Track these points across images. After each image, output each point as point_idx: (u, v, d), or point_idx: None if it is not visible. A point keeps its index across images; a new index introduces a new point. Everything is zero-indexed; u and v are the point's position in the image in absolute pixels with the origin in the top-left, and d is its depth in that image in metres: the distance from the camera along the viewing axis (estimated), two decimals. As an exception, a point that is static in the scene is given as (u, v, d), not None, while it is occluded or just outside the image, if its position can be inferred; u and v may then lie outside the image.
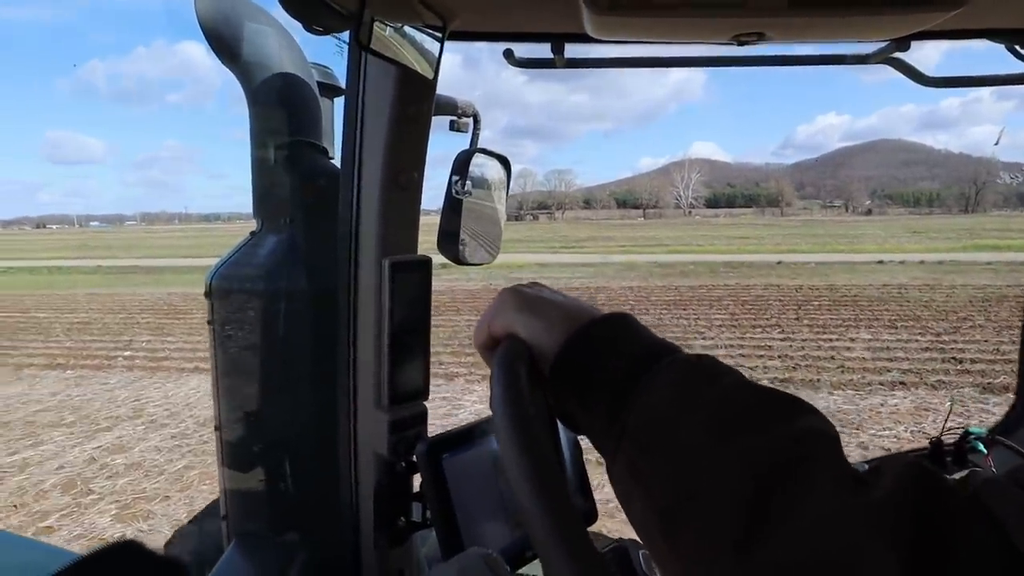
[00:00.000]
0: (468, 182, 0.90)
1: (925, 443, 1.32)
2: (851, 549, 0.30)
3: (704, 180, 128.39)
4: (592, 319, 0.46)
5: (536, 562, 0.75)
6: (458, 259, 0.90)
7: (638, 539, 0.45)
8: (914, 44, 0.89)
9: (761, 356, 8.03)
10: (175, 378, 7.80)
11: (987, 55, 1.07)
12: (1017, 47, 0.95)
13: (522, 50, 0.92)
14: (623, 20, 0.69)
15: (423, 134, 0.84)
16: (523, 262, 22.30)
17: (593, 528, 0.91)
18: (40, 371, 8.26)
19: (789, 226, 53.96)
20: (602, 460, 0.43)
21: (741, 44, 0.76)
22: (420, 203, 0.87)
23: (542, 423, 0.47)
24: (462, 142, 0.97)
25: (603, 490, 0.68)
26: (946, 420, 1.29)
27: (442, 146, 0.95)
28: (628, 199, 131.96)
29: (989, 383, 6.60)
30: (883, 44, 0.91)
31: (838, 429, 0.37)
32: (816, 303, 11.95)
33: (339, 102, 1.00)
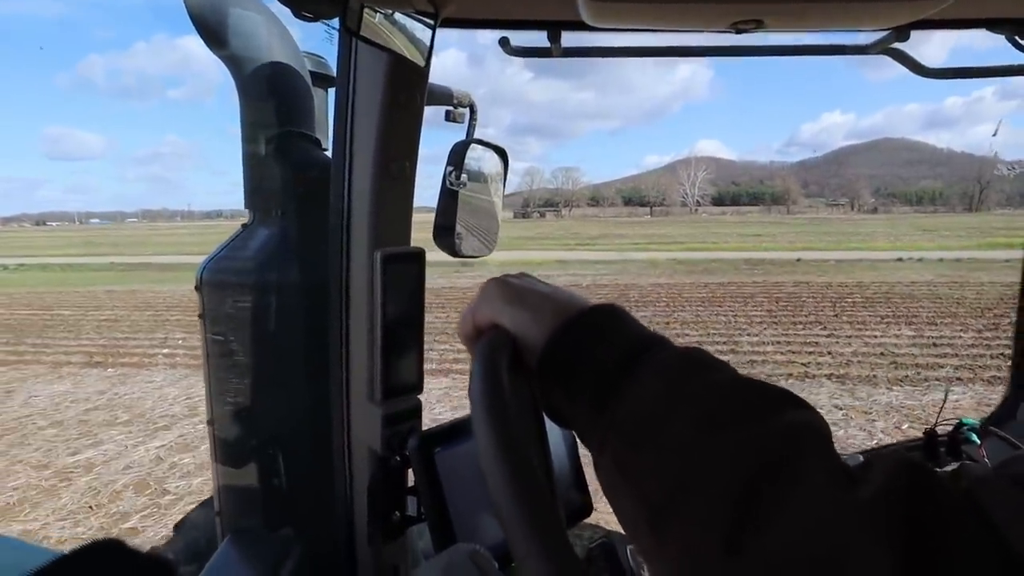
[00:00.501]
0: (464, 174, 0.88)
1: (920, 434, 1.33)
2: (841, 547, 0.30)
3: (710, 178, 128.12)
4: (580, 310, 0.45)
5: None
6: (454, 251, 0.88)
7: (624, 533, 0.45)
8: (917, 40, 0.89)
9: (811, 353, 7.96)
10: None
11: (991, 51, 1.04)
12: (1017, 38, 0.94)
13: (518, 38, 0.91)
14: (620, 7, 0.69)
15: (415, 123, 0.82)
16: (542, 259, 22.23)
17: (591, 520, 0.89)
18: (79, 369, 8.18)
19: (798, 224, 53.88)
20: None
21: (739, 32, 0.75)
22: (413, 194, 0.85)
23: (525, 416, 0.47)
24: (461, 136, 0.96)
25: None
26: (940, 410, 1.29)
27: (445, 142, 0.91)
28: (633, 197, 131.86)
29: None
30: (883, 34, 0.90)
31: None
32: (849, 300, 11.89)
33: (333, 92, 0.98)
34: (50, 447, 5.50)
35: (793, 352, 8.03)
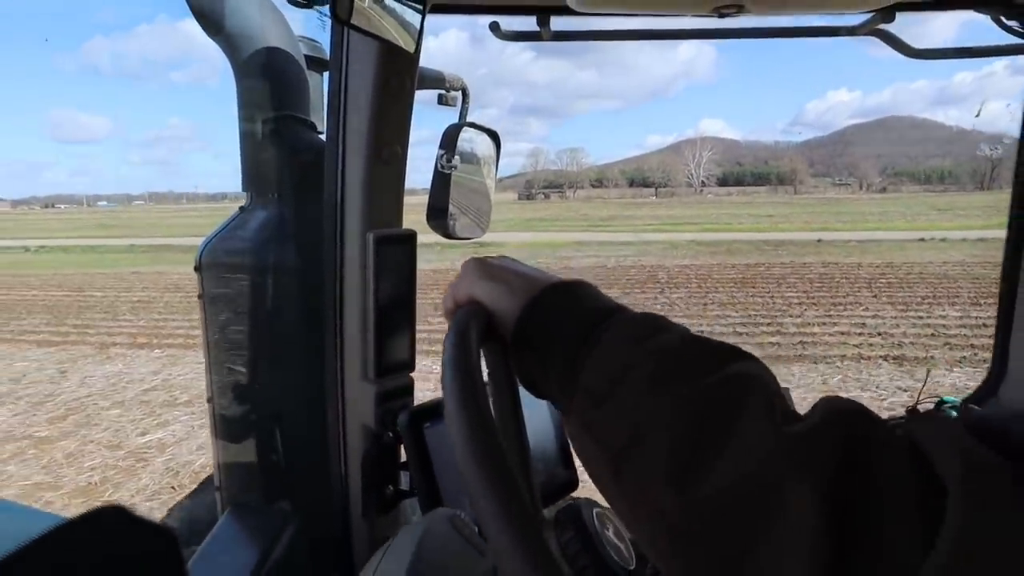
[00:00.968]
0: (456, 156, 0.89)
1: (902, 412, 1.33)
2: (773, 479, 0.32)
3: (715, 159, 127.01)
4: (550, 284, 0.48)
5: None
6: (447, 233, 0.89)
7: (591, 499, 0.48)
8: (922, 20, 0.96)
9: (860, 334, 7.91)
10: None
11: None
12: (1002, 17, 0.94)
13: (508, 23, 0.92)
14: None
15: (406, 108, 0.83)
16: (561, 241, 22.13)
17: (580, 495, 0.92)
18: (126, 350, 8.19)
19: (807, 204, 53.45)
20: None
21: (722, 16, 0.76)
22: (404, 177, 0.86)
23: (501, 389, 0.49)
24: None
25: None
26: (921, 389, 1.31)
27: (439, 124, 0.90)
28: (637, 178, 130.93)
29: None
30: (868, 16, 0.90)
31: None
32: (884, 281, 11.79)
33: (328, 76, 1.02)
34: (118, 427, 5.51)
35: (842, 334, 7.97)
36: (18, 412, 5.89)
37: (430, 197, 0.89)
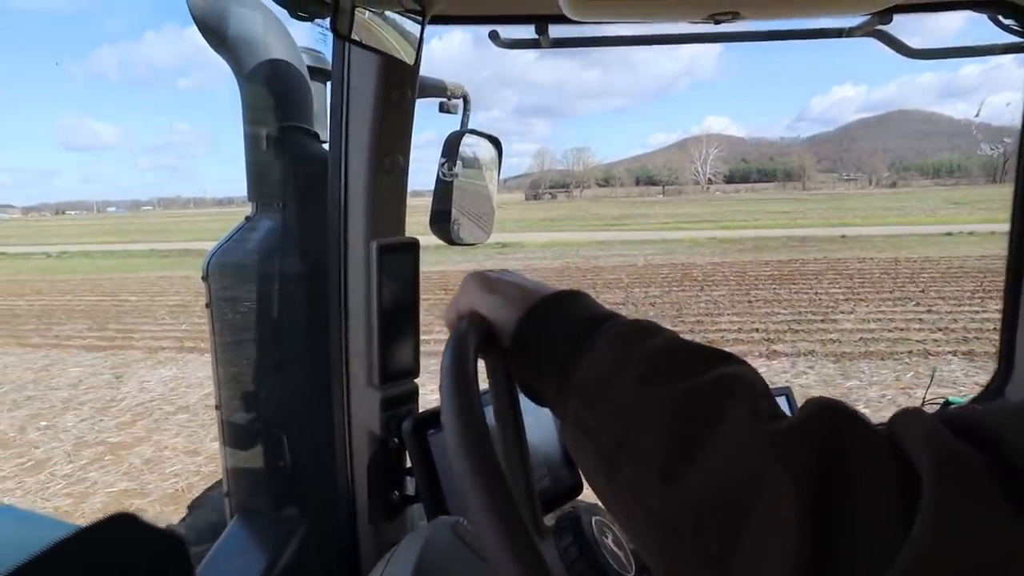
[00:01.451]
0: (459, 163, 0.90)
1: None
2: (757, 474, 0.33)
3: (722, 156, 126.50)
4: (547, 295, 0.50)
5: None
6: (450, 239, 0.91)
7: (592, 505, 0.49)
8: (927, 17, 0.91)
9: (920, 329, 7.77)
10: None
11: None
12: (1000, 17, 0.94)
13: (507, 30, 0.93)
14: (600, 2, 0.71)
15: (407, 118, 0.85)
16: (581, 240, 22.01)
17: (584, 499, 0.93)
18: (176, 354, 8.13)
19: (820, 200, 53.15)
20: None
21: (717, 23, 0.77)
22: (406, 186, 0.88)
23: (502, 397, 0.51)
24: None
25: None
26: (927, 389, 1.29)
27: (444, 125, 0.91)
28: (642, 176, 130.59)
29: None
30: (866, 18, 0.91)
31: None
32: (926, 275, 11.62)
33: (330, 86, 1.02)
34: (190, 432, 5.45)
35: (900, 329, 7.83)
36: (84, 417, 5.84)
37: (433, 203, 0.89)
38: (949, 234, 19.40)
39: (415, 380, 0.92)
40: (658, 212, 40.94)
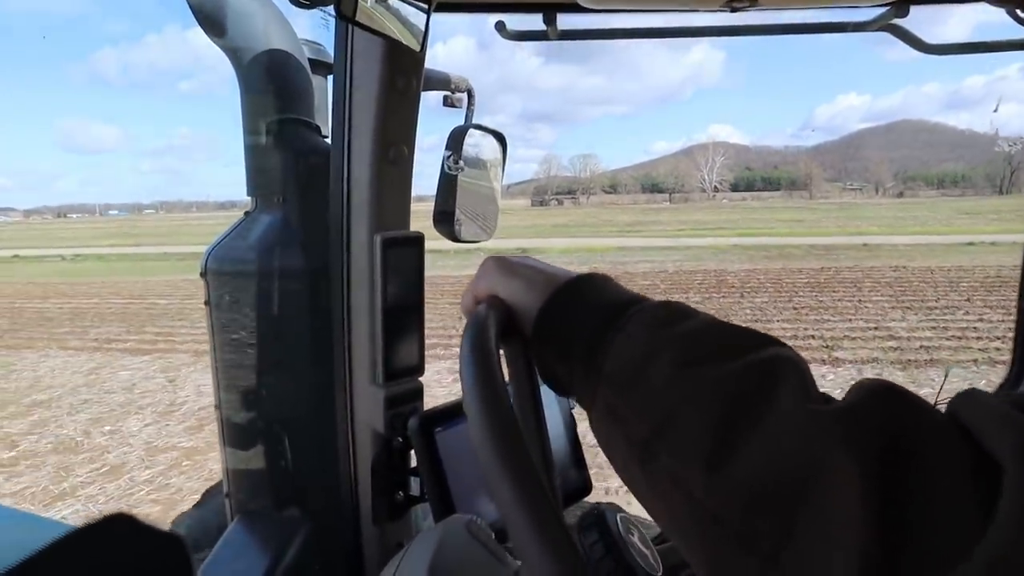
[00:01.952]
0: (462, 160, 0.89)
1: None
2: (813, 456, 0.31)
3: (728, 164, 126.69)
4: (570, 278, 0.48)
5: None
6: (453, 236, 0.89)
7: (614, 504, 0.50)
8: (935, 19, 0.98)
9: (978, 338, 7.70)
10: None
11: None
12: (1018, 11, 0.92)
13: (514, 22, 0.91)
14: None
15: (412, 108, 0.82)
16: (602, 246, 21.96)
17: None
18: (223, 357, 8.05)
19: (830, 209, 53.17)
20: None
21: (734, 11, 0.75)
22: (411, 178, 0.85)
23: (522, 386, 0.49)
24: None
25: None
26: (939, 391, 1.26)
27: (443, 131, 0.81)
28: (647, 183, 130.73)
29: None
30: (882, 10, 0.89)
31: None
32: (965, 284, 11.59)
33: (331, 79, 0.99)
34: (259, 438, 5.36)
35: (958, 338, 7.76)
36: (148, 422, 5.76)
37: (436, 201, 0.88)
38: (971, 244, 19.37)
39: (420, 378, 0.90)
40: (669, 219, 40.96)
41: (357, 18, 0.62)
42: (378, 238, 0.80)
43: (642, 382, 0.38)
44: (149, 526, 0.57)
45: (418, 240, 0.86)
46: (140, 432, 5.50)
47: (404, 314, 0.85)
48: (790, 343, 0.39)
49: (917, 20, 0.93)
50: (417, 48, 0.74)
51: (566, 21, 0.90)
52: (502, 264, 0.52)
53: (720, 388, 0.35)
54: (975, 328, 8.19)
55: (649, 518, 0.41)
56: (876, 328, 8.45)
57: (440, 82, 0.94)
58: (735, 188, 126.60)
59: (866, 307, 9.90)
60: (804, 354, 6.54)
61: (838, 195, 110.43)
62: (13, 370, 7.71)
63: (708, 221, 36.96)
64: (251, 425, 0.98)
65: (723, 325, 0.41)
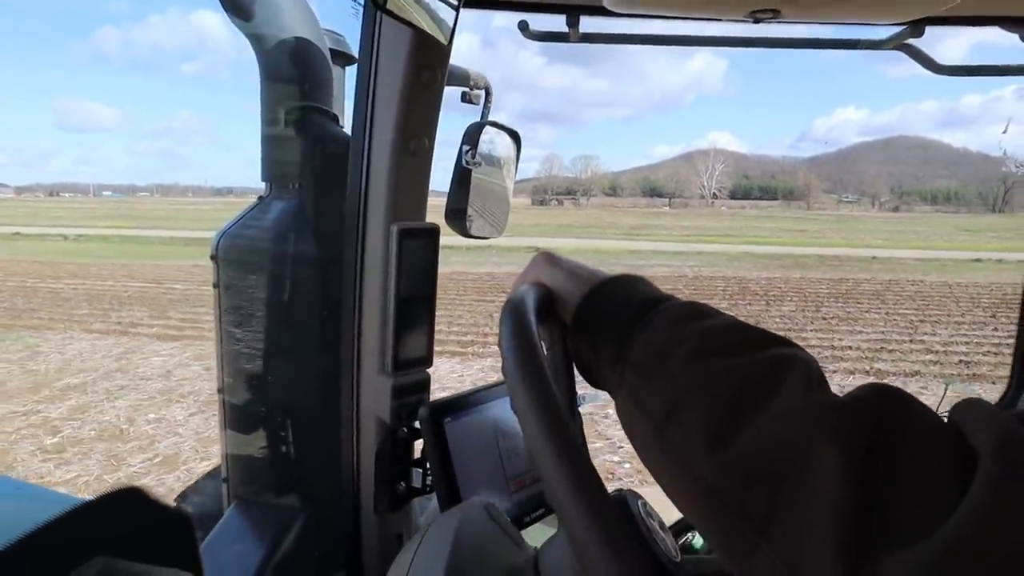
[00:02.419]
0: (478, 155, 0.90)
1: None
2: (801, 444, 0.33)
3: (727, 171, 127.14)
4: (609, 276, 0.53)
5: (535, 527, 0.82)
6: (465, 232, 0.90)
7: (633, 490, 0.51)
8: (934, 37, 0.92)
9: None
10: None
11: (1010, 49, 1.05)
12: None
13: (537, 22, 0.93)
14: None
15: (436, 101, 0.83)
16: (612, 248, 21.92)
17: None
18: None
19: (829, 220, 53.51)
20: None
21: (757, 21, 0.77)
22: (430, 170, 0.86)
23: (558, 370, 0.52)
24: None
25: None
26: (940, 404, 1.29)
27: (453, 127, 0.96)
28: (645, 186, 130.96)
29: None
30: (897, 30, 0.92)
31: None
32: (986, 300, 11.64)
33: (350, 70, 1.01)
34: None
35: (994, 354, 7.76)
36: (193, 411, 5.62)
37: (449, 195, 0.88)
38: (978, 260, 19.50)
39: (428, 370, 0.90)
40: (672, 224, 41.04)
41: (388, 7, 0.63)
42: (395, 228, 0.81)
43: (663, 368, 0.42)
44: (158, 502, 0.60)
45: (434, 232, 0.86)
46: (187, 421, 5.35)
47: (416, 305, 0.85)
48: (831, 352, 0.47)
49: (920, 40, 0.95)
50: (445, 41, 0.74)
51: (588, 24, 0.91)
52: (550, 257, 0.57)
53: (732, 375, 0.39)
54: (1009, 344, 8.20)
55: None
56: (910, 341, 8.45)
57: (460, 78, 0.94)
58: (733, 196, 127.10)
59: (895, 319, 9.91)
60: (844, 364, 6.48)
61: (834, 207, 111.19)
62: (39, 351, 7.53)
63: (712, 228, 37.06)
64: (254, 411, 0.97)
65: (742, 324, 0.44)
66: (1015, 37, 0.96)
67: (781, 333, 0.43)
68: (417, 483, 0.88)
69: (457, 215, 0.89)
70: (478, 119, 0.96)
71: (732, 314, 0.47)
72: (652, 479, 0.43)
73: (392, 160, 0.80)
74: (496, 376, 0.75)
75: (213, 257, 0.95)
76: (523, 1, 0.89)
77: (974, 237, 32.53)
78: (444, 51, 0.79)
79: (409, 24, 0.68)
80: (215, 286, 0.96)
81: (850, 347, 8.02)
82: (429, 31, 0.71)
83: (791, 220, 51.01)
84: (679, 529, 1.10)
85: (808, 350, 0.42)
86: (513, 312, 0.47)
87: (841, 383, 6.05)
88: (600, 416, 5.04)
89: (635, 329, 0.45)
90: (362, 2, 0.78)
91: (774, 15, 0.75)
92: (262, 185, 0.98)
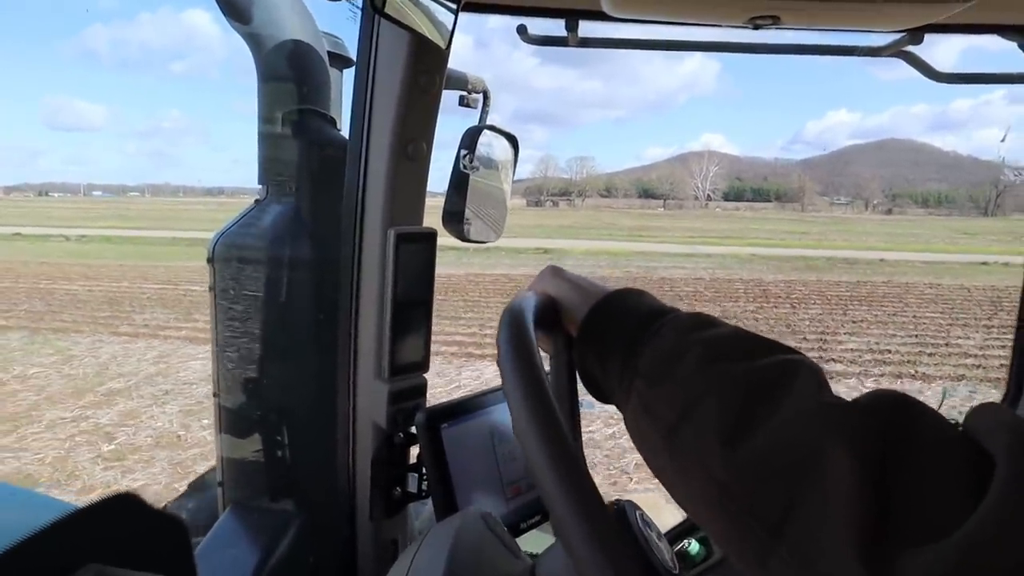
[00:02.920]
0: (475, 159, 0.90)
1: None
2: (813, 442, 0.34)
3: (721, 173, 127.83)
4: (615, 290, 0.53)
5: (531, 534, 0.82)
6: (462, 235, 0.90)
7: (631, 501, 0.51)
8: (930, 44, 0.91)
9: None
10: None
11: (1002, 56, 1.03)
12: None
13: (536, 26, 0.93)
14: None
15: (433, 105, 0.83)
16: (619, 250, 21.90)
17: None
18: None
19: (826, 222, 53.87)
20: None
21: (756, 27, 0.76)
22: (427, 175, 0.86)
23: (560, 379, 0.52)
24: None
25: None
26: (938, 408, 1.25)
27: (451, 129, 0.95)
28: (639, 188, 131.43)
29: None
30: (896, 37, 0.91)
31: None
32: (1008, 303, 11.68)
33: (348, 74, 1.01)
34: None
35: (1033, 358, 7.80)
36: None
37: (447, 199, 0.88)
38: (985, 263, 19.63)
39: (424, 375, 0.90)
40: (671, 225, 41.15)
41: (386, 11, 0.63)
42: (391, 232, 0.80)
43: (672, 375, 0.42)
44: (152, 507, 0.59)
45: (431, 236, 0.86)
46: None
47: (413, 309, 0.85)
48: (872, 356, 0.64)
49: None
50: (443, 45, 0.74)
51: (587, 29, 0.91)
52: (558, 271, 0.58)
53: (743, 379, 0.39)
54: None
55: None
56: (946, 344, 8.46)
57: (458, 81, 0.94)
58: (727, 197, 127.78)
59: (923, 323, 9.93)
60: (888, 368, 6.44)
61: (827, 209, 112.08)
62: (71, 355, 7.39)
63: (712, 229, 37.18)
64: (249, 415, 0.97)
65: (747, 333, 0.44)
66: (1005, 42, 0.95)
67: (815, 337, 0.46)
68: (413, 488, 0.87)
69: (454, 219, 0.89)
70: (476, 122, 0.96)
71: (764, 319, 0.49)
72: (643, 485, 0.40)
73: (389, 164, 0.80)
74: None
75: (210, 260, 0.95)
76: (522, 6, 0.88)
77: (973, 240, 32.85)
78: (442, 55, 0.79)
79: (407, 28, 0.67)
80: (211, 289, 0.95)
81: (888, 350, 8.02)
82: (427, 35, 0.71)
83: (788, 222, 51.32)
84: (674, 536, 1.08)
85: (849, 353, 0.45)
86: (511, 319, 0.47)
87: (891, 387, 6.03)
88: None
89: (642, 339, 0.46)
90: (360, 5, 0.78)
91: (774, 22, 0.74)
92: (255, 185, 0.97)
